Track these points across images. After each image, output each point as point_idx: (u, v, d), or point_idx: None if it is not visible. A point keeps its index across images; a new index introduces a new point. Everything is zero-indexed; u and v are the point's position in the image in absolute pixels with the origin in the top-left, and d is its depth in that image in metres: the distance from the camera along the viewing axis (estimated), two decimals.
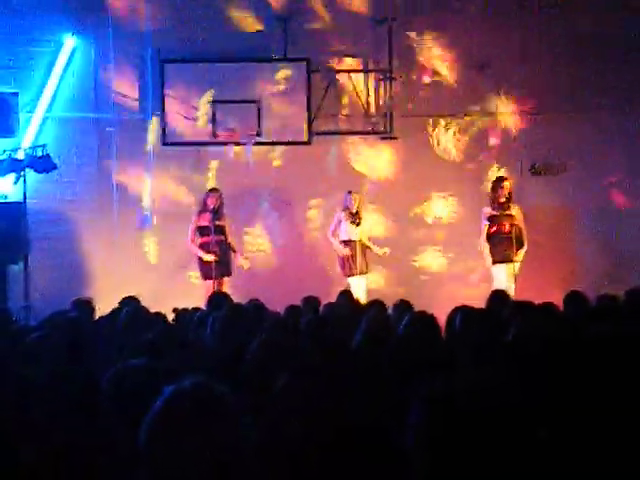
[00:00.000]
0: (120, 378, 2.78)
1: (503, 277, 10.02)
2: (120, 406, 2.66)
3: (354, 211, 10.33)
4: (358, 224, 10.30)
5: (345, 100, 11.13)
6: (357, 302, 7.66)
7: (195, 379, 2.13)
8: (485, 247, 10.20)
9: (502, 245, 10.08)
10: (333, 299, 7.66)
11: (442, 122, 11.26)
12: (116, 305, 6.97)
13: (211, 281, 9.99)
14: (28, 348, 4.01)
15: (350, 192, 10.44)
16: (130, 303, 6.58)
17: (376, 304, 6.85)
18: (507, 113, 11.27)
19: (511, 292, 9.17)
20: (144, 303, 6.72)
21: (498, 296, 6.92)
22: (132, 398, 2.31)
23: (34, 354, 3.93)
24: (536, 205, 11.02)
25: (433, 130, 11.25)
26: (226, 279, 10.15)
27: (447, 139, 11.29)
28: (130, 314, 5.30)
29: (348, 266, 10.27)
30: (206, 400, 2.08)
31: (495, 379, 2.43)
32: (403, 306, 6.74)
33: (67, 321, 4.86)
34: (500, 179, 10.37)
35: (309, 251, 11.18)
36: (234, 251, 10.23)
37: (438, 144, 11.27)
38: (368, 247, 10.38)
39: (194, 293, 9.95)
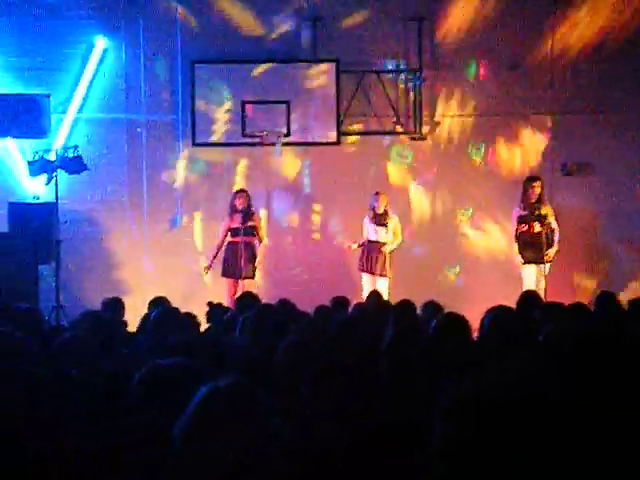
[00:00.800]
0: (153, 376, 2.78)
1: (532, 278, 9.97)
2: (152, 404, 2.66)
3: (380, 212, 10.32)
4: (384, 225, 10.28)
5: (374, 100, 11.11)
6: (386, 303, 7.65)
7: (230, 379, 2.14)
8: (514, 246, 10.15)
9: (532, 245, 10.03)
10: (360, 300, 7.67)
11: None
12: (145, 304, 7.02)
13: (232, 281, 10.07)
14: (60, 348, 4.04)
15: (377, 193, 10.43)
16: (159, 304, 6.61)
17: (405, 304, 6.84)
18: (538, 113, 11.20)
19: (541, 293, 9.12)
20: (175, 303, 6.75)
21: (529, 297, 6.89)
22: (166, 397, 2.32)
23: (65, 354, 3.95)
24: (567, 205, 10.95)
25: (464, 135, 11.20)
26: (250, 281, 10.18)
27: (478, 143, 11.23)
28: (160, 315, 5.33)
29: (364, 262, 10.27)
30: (241, 400, 2.09)
31: (527, 372, 2.40)
32: (432, 307, 6.73)
33: (98, 321, 4.89)
34: (531, 179, 10.32)
35: (337, 252, 11.17)
36: (255, 255, 10.24)
37: (468, 149, 11.22)
38: (393, 250, 10.32)
39: (224, 294, 9.98)
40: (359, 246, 10.39)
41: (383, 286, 10.10)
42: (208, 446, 2.04)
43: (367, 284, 10.16)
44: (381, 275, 10.22)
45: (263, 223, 10.60)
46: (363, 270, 10.32)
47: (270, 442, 2.07)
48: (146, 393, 2.74)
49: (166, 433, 2.16)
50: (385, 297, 9.61)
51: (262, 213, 10.86)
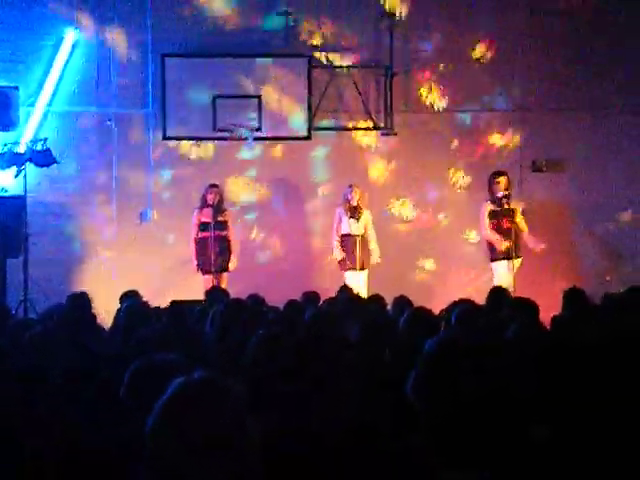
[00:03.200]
0: (146, 372, 2.77)
1: (503, 273, 10.02)
2: (142, 400, 2.65)
3: (354, 205, 10.31)
4: (358, 218, 10.27)
5: (345, 96, 11.12)
6: (357, 297, 7.66)
7: (204, 373, 2.13)
8: (491, 236, 10.13)
9: (505, 241, 10.07)
10: (332, 294, 7.68)
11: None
12: (116, 298, 6.99)
13: (210, 276, 10.04)
14: (31, 342, 4.02)
15: (351, 185, 10.43)
16: (131, 298, 6.58)
17: (375, 299, 6.87)
18: (507, 109, 11.27)
19: (510, 288, 9.16)
20: (145, 298, 6.72)
21: (498, 293, 6.93)
22: (157, 393, 2.32)
23: (37, 348, 3.93)
24: (537, 201, 11.03)
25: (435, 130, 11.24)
26: (225, 274, 10.18)
27: (448, 137, 11.29)
28: (129, 309, 5.31)
29: (345, 261, 10.26)
30: (215, 394, 2.09)
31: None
32: (402, 302, 6.76)
33: (67, 315, 4.87)
34: (495, 174, 10.34)
35: (308, 247, 11.19)
36: (230, 251, 10.23)
37: (439, 143, 11.27)
38: (368, 241, 10.31)
39: (195, 287, 9.95)
40: (339, 242, 10.31)
41: (363, 278, 10.10)
42: (177, 438, 2.04)
43: (352, 280, 9.99)
44: (362, 268, 10.20)
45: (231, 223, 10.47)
46: (347, 269, 10.25)
47: (244, 437, 2.06)
48: (139, 388, 2.73)
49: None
50: (365, 289, 9.65)
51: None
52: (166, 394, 2.09)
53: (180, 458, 2.02)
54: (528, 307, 5.32)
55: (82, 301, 6.91)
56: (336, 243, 10.33)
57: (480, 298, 6.60)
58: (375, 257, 10.29)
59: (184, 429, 2.03)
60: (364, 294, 9.12)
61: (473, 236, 11.05)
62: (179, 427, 2.03)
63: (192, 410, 2.05)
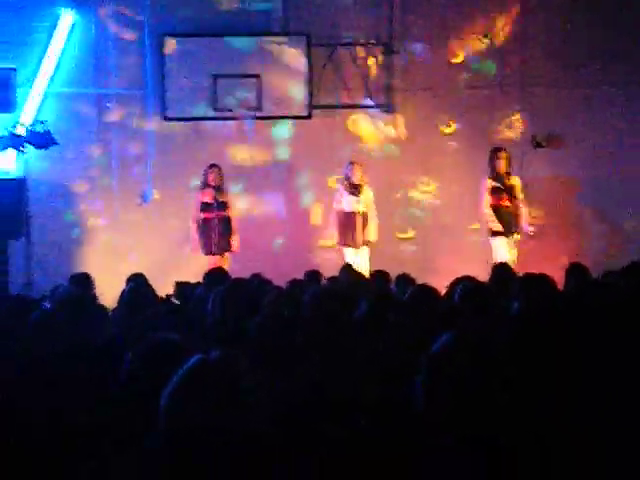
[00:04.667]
0: (151, 351, 2.77)
1: (503, 249, 10.03)
2: (147, 379, 2.65)
3: (355, 182, 10.28)
4: (358, 195, 10.24)
5: (345, 74, 11.08)
6: (360, 274, 7.66)
7: (219, 351, 2.15)
8: (489, 216, 10.13)
9: (501, 218, 10.08)
10: (336, 273, 7.67)
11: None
12: (117, 280, 6.98)
13: (213, 257, 10.03)
14: (34, 324, 4.01)
15: (352, 163, 10.40)
16: (136, 280, 6.57)
17: (379, 275, 6.85)
18: (508, 85, 11.22)
19: (512, 264, 9.15)
20: (148, 279, 6.71)
21: (502, 269, 6.92)
22: (162, 371, 2.32)
23: (39, 331, 3.93)
24: (538, 177, 11.01)
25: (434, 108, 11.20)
26: (228, 255, 10.17)
27: (448, 115, 11.25)
28: (133, 291, 5.31)
29: (344, 236, 10.23)
30: (228, 373, 2.10)
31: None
32: (405, 280, 6.75)
33: (69, 296, 4.86)
34: (496, 150, 10.32)
35: (311, 225, 11.17)
36: (232, 231, 10.22)
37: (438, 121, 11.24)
38: (369, 219, 10.28)
39: (196, 268, 9.93)
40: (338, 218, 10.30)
41: (365, 256, 10.09)
42: (193, 416, 2.05)
43: (350, 258, 10.05)
44: (362, 245, 10.18)
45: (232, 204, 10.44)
46: (344, 244, 10.26)
47: (254, 415, 2.07)
48: (142, 367, 2.73)
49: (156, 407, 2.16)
50: (367, 267, 9.61)
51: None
52: (183, 371, 2.11)
53: (195, 433, 2.03)
54: (539, 282, 5.27)
55: (84, 282, 6.92)
56: (332, 220, 10.31)
57: (481, 274, 6.60)
58: (371, 236, 10.24)
59: (200, 405, 2.04)
60: (365, 271, 9.10)
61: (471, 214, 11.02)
62: (194, 402, 2.05)
63: (208, 387, 2.06)
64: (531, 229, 10.20)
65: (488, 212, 10.14)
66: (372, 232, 10.26)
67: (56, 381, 3.36)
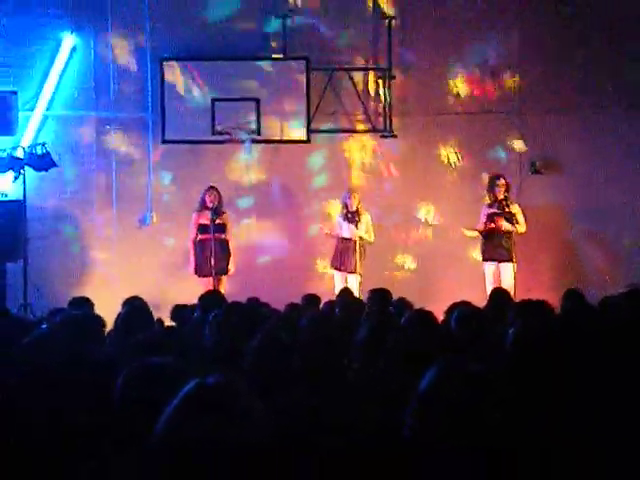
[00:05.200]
0: (142, 374, 2.77)
1: (490, 274, 10.06)
2: (138, 403, 2.65)
3: (353, 209, 10.33)
4: (357, 223, 10.28)
5: (344, 98, 11.13)
6: (357, 299, 7.66)
7: (218, 376, 2.14)
8: (482, 240, 10.16)
9: (495, 243, 10.09)
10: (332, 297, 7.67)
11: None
12: (115, 303, 6.96)
13: (209, 279, 10.03)
14: (36, 340, 4.01)
15: (349, 190, 10.46)
16: (133, 302, 6.55)
17: (379, 294, 6.83)
18: (506, 112, 11.26)
19: (510, 290, 9.16)
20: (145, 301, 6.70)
21: (499, 295, 6.92)
22: (153, 395, 2.31)
23: (36, 351, 3.92)
24: (536, 204, 11.01)
25: (433, 132, 11.24)
26: (224, 277, 10.18)
27: (447, 140, 11.29)
28: (129, 313, 5.30)
29: (336, 259, 10.27)
30: (228, 397, 2.10)
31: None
32: (402, 304, 6.75)
33: (71, 317, 4.86)
34: (495, 177, 10.36)
35: (308, 250, 11.18)
36: (229, 254, 10.22)
37: (437, 145, 11.27)
38: (366, 247, 10.32)
39: (196, 290, 9.92)
40: (331, 235, 10.35)
41: (354, 283, 10.10)
42: (190, 441, 2.04)
43: (339, 282, 10.16)
44: (352, 272, 10.22)
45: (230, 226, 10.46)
46: (335, 268, 10.33)
47: (255, 440, 2.07)
48: (133, 391, 2.73)
49: (149, 431, 2.15)
50: (357, 294, 9.60)
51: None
52: (181, 396, 2.10)
53: (194, 454, 2.03)
54: (536, 307, 5.27)
55: (84, 305, 6.90)
56: (332, 233, 10.35)
57: (479, 300, 6.60)
58: (361, 232, 10.25)
59: (199, 427, 2.04)
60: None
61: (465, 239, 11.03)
62: (195, 425, 2.04)
63: (207, 413, 2.06)
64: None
65: (482, 235, 10.17)
66: (362, 233, 10.27)
67: (56, 382, 3.37)
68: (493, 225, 10.12)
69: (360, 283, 10.13)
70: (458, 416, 2.25)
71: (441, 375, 2.33)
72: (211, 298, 6.77)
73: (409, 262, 11.24)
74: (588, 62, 11.06)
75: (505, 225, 10.09)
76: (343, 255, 10.26)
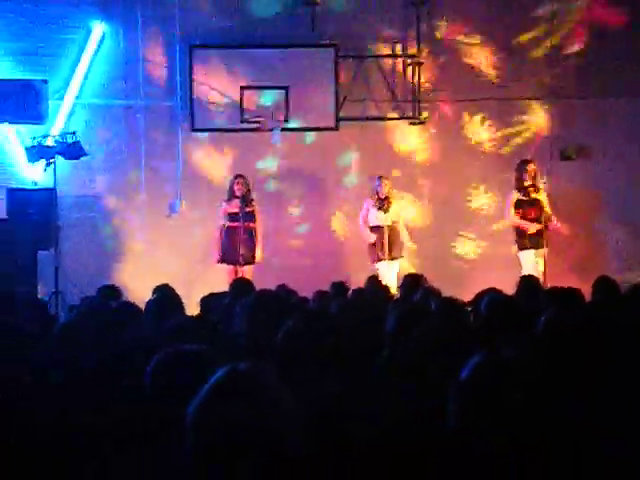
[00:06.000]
0: (173, 361, 2.78)
1: (531, 263, 9.96)
2: (169, 390, 2.67)
3: (383, 196, 10.29)
4: (386, 210, 10.24)
5: (373, 85, 11.09)
6: (385, 288, 7.64)
7: (249, 363, 2.15)
8: (520, 222, 10.05)
9: (527, 232, 10.01)
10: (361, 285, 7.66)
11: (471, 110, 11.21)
12: (144, 290, 7.01)
13: (234, 267, 10.04)
14: (61, 333, 4.05)
15: (380, 177, 10.41)
16: (163, 290, 6.58)
17: (411, 280, 6.81)
18: (536, 97, 11.18)
19: (540, 277, 9.11)
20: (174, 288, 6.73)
21: (529, 282, 6.88)
22: (184, 382, 2.32)
23: (64, 340, 3.96)
24: (565, 189, 10.94)
25: (463, 118, 11.20)
26: (251, 266, 10.15)
27: (477, 126, 11.24)
28: (160, 300, 5.32)
29: (375, 252, 10.23)
30: (259, 384, 2.10)
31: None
32: (430, 291, 6.72)
33: (96, 307, 4.89)
34: (524, 162, 10.27)
35: (337, 238, 11.18)
36: (255, 243, 10.21)
37: (468, 132, 11.22)
38: (399, 232, 10.28)
39: (224, 278, 9.96)
40: (369, 237, 10.29)
41: (395, 269, 10.07)
42: (222, 429, 2.05)
43: (385, 271, 9.99)
44: (394, 258, 10.16)
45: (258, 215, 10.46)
46: (378, 260, 10.19)
47: (284, 426, 2.07)
48: (164, 378, 2.74)
49: (180, 418, 2.16)
50: (395, 281, 9.56)
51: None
52: (212, 382, 2.11)
53: (222, 443, 2.04)
54: (567, 295, 5.24)
55: (112, 293, 6.95)
56: (367, 231, 10.30)
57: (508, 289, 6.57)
58: (407, 243, 10.25)
59: (228, 416, 2.05)
60: (394, 285, 9.06)
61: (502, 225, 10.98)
62: (223, 413, 2.05)
63: (238, 398, 2.07)
64: (557, 223, 10.07)
65: (516, 219, 10.07)
66: (406, 239, 10.26)
67: (62, 382, 3.39)
68: (520, 214, 10.02)
69: (399, 268, 10.09)
70: (498, 406, 2.25)
71: (482, 365, 2.33)
72: (242, 286, 6.78)
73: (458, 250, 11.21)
74: (620, 47, 10.95)
75: (532, 228, 9.97)
76: (378, 245, 10.18)
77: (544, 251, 9.99)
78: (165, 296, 5.43)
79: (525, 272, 9.57)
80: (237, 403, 2.07)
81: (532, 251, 9.98)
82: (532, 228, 9.95)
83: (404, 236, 10.30)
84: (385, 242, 10.14)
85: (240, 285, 6.93)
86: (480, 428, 2.25)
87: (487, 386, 2.29)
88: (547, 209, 10.09)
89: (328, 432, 2.60)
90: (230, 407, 2.07)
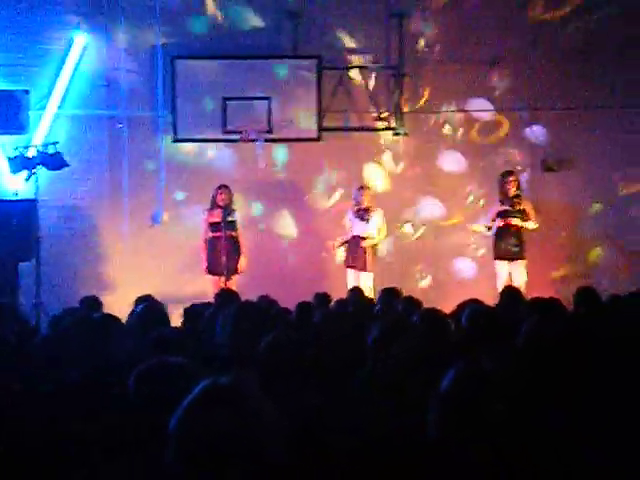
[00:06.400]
0: (156, 372, 2.78)
1: (504, 273, 10.02)
2: (151, 401, 2.67)
3: (363, 207, 10.31)
4: (367, 220, 10.26)
5: (355, 96, 11.12)
6: (367, 298, 7.66)
7: (231, 376, 2.15)
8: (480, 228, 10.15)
9: (506, 241, 10.05)
10: (343, 295, 7.67)
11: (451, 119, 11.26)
12: (126, 302, 6.98)
13: (220, 277, 10.05)
14: (45, 344, 4.03)
15: (361, 187, 10.45)
16: (146, 301, 6.56)
17: (388, 293, 6.82)
18: (518, 109, 11.24)
19: (522, 288, 9.14)
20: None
21: (511, 293, 6.91)
22: (166, 393, 2.32)
23: (52, 349, 3.95)
24: (547, 201, 10.99)
25: (443, 128, 11.25)
26: (235, 276, 10.17)
27: (457, 136, 11.30)
28: (144, 311, 5.31)
29: (348, 258, 10.26)
30: (240, 398, 2.11)
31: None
32: (411, 303, 6.74)
33: (82, 320, 4.87)
34: (506, 174, 10.33)
35: (318, 248, 11.18)
36: (239, 252, 10.22)
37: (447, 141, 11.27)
38: (376, 244, 10.32)
39: (206, 289, 9.95)
40: (342, 244, 10.37)
41: (367, 281, 10.08)
42: (204, 440, 2.05)
43: (351, 280, 10.11)
44: (362, 270, 10.19)
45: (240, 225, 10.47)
46: (348, 266, 10.28)
47: (267, 438, 2.07)
48: (146, 388, 2.74)
49: (163, 429, 2.16)
50: (370, 292, 9.58)
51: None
52: (193, 395, 2.11)
53: (204, 454, 2.04)
54: (549, 305, 5.26)
55: (94, 305, 6.93)
56: (339, 242, 10.33)
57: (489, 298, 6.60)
58: (371, 231, 10.25)
59: (210, 427, 2.05)
60: (370, 293, 9.08)
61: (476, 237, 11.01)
62: (205, 425, 2.05)
63: (220, 410, 2.07)
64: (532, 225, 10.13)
65: (492, 238, 10.15)
66: (384, 252, 10.31)
67: (51, 391, 3.39)
68: (502, 222, 10.08)
69: (373, 280, 10.12)
70: (479, 416, 2.26)
71: (462, 376, 2.34)
72: (226, 296, 6.78)
73: (420, 263, 11.25)
74: (600, 59, 11.02)
75: (515, 221, 10.04)
76: (354, 253, 10.23)
77: (524, 263, 10.03)
78: (149, 308, 5.41)
79: (499, 282, 9.69)
80: (219, 413, 2.07)
81: (504, 262, 10.03)
82: (490, 229, 10.02)
83: (377, 247, 10.32)
84: (360, 253, 10.15)
85: (225, 295, 6.93)
86: (461, 439, 2.26)
87: (468, 397, 2.30)
88: (533, 219, 10.12)
89: (309, 442, 2.60)
90: (212, 417, 2.07)
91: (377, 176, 11.24)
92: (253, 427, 2.07)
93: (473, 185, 11.20)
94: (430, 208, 11.27)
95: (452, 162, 11.27)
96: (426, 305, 6.10)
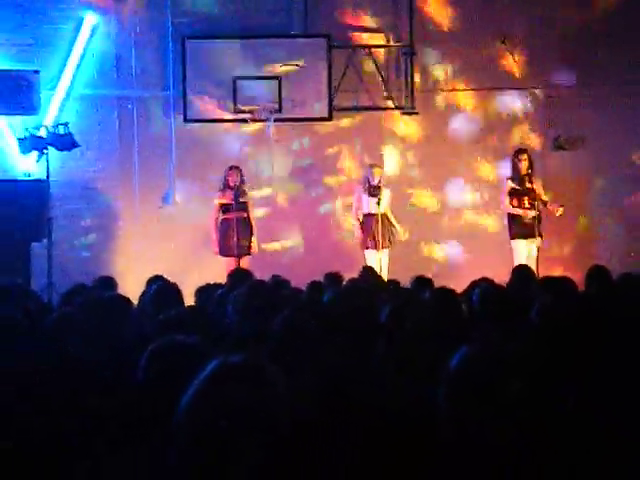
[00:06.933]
0: (167, 351, 2.79)
1: (523, 252, 9.99)
2: (162, 380, 2.67)
3: (374, 184, 10.29)
4: (378, 197, 10.23)
5: (365, 76, 11.08)
6: (379, 277, 7.65)
7: (241, 356, 2.15)
8: (514, 211, 10.06)
9: (521, 220, 10.02)
10: (356, 275, 7.66)
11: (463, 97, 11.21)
12: (137, 282, 7.00)
13: (232, 258, 10.05)
14: (54, 324, 4.04)
15: (372, 165, 10.44)
16: (158, 281, 6.57)
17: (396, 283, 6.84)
18: (528, 87, 11.19)
19: (533, 267, 9.13)
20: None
21: (522, 272, 6.90)
22: (177, 373, 2.32)
23: (60, 332, 3.95)
24: (558, 179, 10.95)
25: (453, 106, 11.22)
26: (247, 257, 10.17)
27: (468, 114, 11.26)
28: (158, 291, 5.31)
29: (365, 239, 10.23)
30: (251, 378, 2.10)
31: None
32: (423, 282, 6.74)
33: (96, 298, 4.89)
34: (519, 151, 10.30)
35: (331, 227, 11.18)
36: (251, 233, 10.22)
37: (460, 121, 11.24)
38: (390, 222, 10.31)
39: (217, 270, 9.96)
40: (357, 220, 10.33)
41: (385, 259, 10.06)
42: (214, 421, 2.05)
43: (370, 259, 10.06)
44: (383, 247, 10.16)
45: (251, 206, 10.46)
46: (367, 247, 10.22)
47: (280, 423, 2.07)
48: (157, 368, 2.75)
49: (173, 409, 2.16)
50: (385, 270, 9.59)
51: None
52: (204, 375, 2.11)
53: (215, 433, 2.04)
54: (560, 284, 5.24)
55: (109, 284, 6.93)
56: (356, 223, 10.33)
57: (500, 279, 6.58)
58: (401, 234, 10.27)
59: (222, 406, 2.05)
60: (384, 274, 9.09)
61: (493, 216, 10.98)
62: (217, 404, 2.05)
63: (231, 389, 2.07)
64: (559, 211, 10.08)
65: (511, 208, 10.09)
66: (400, 232, 10.28)
67: (61, 374, 3.39)
68: (516, 204, 10.04)
69: (389, 258, 10.10)
70: (496, 395, 2.26)
71: (477, 354, 2.34)
72: (239, 275, 6.79)
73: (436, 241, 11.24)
74: (611, 38, 10.95)
75: (529, 215, 9.98)
76: (369, 233, 10.18)
77: (538, 241, 10.01)
78: (163, 288, 5.42)
79: (516, 261, 9.62)
80: (234, 388, 2.07)
81: (523, 240, 10.00)
82: (528, 215, 9.97)
83: (395, 226, 10.31)
84: (377, 231, 10.12)
85: (238, 275, 6.94)
86: (478, 417, 2.26)
87: (484, 375, 2.30)
88: (544, 197, 10.10)
89: (327, 420, 2.61)
90: (226, 393, 2.07)
91: (388, 155, 11.20)
92: (269, 400, 2.07)
93: (486, 163, 11.15)
94: (445, 188, 11.24)
95: (464, 140, 11.23)
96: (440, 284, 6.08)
